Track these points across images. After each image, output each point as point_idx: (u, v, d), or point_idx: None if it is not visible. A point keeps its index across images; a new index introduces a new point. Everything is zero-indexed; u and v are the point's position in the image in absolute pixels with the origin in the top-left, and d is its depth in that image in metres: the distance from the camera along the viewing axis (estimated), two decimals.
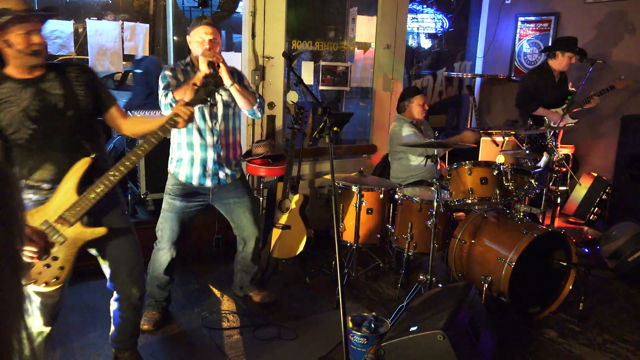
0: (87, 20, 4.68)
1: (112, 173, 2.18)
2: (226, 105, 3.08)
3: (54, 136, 2.18)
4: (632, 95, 5.37)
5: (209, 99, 2.41)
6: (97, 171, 2.22)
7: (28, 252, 2.02)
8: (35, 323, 2.32)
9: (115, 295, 2.57)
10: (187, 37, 3.06)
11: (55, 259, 2.15)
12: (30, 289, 2.15)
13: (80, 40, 4.81)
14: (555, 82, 4.93)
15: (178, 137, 3.06)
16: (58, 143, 2.19)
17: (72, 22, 4.46)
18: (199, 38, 2.94)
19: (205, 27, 2.95)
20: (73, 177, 2.17)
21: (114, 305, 2.61)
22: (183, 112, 2.27)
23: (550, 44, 5.90)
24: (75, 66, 2.32)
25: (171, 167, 3.11)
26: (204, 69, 2.80)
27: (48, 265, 2.15)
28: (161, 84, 2.89)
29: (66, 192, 2.16)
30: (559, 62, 4.83)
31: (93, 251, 2.41)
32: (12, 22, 2.00)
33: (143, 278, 2.61)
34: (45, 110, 2.16)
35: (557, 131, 4.44)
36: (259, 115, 3.14)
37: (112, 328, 2.70)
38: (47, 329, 2.36)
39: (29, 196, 2.22)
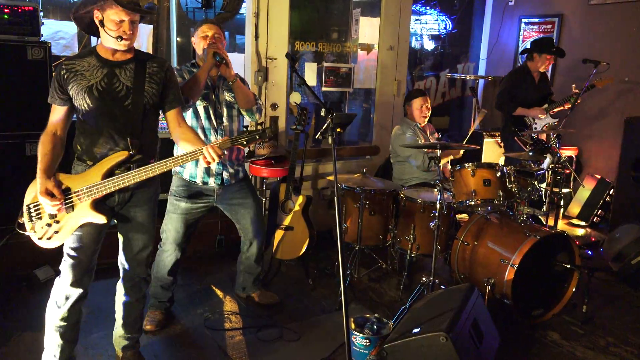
0: None
1: (134, 172, 2.30)
2: (230, 105, 3.10)
3: (105, 120, 2.31)
4: (636, 97, 5.36)
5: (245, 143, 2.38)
6: (128, 164, 2.36)
7: (46, 202, 2.24)
8: (64, 282, 2.42)
9: (121, 274, 2.65)
10: (192, 38, 3.10)
11: (57, 222, 2.32)
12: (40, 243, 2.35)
13: (85, 41, 4.82)
14: (535, 83, 4.99)
15: None
16: (107, 128, 2.32)
17: None
18: (202, 34, 3.01)
19: (208, 24, 3.04)
20: (105, 163, 2.32)
21: (119, 291, 2.68)
22: (216, 153, 2.29)
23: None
24: (157, 62, 2.43)
25: (175, 168, 3.11)
26: (208, 60, 2.85)
27: (49, 224, 2.33)
28: None
29: (95, 173, 2.31)
30: (537, 64, 4.93)
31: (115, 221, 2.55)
32: (111, 6, 2.18)
33: (148, 264, 2.67)
34: (106, 92, 2.29)
35: (560, 133, 4.44)
36: (257, 117, 3.16)
37: (116, 323, 2.74)
38: (74, 291, 2.43)
39: (75, 166, 2.42)
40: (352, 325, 2.78)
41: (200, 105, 3.00)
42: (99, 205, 2.34)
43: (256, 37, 4.39)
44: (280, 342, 3.10)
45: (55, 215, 2.32)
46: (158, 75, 2.41)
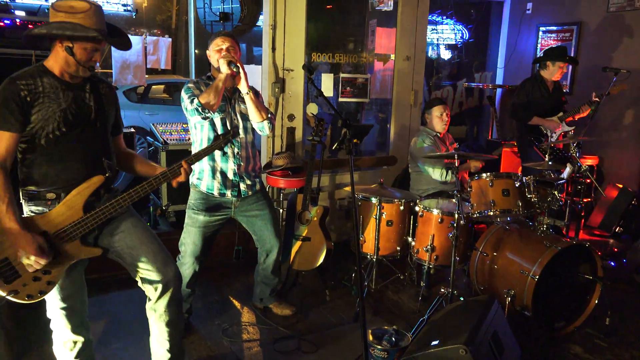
0: None
1: (122, 198, 2.17)
2: (245, 117, 3.12)
3: (79, 145, 2.16)
4: None
5: (223, 147, 2.51)
6: (105, 188, 2.23)
7: (39, 262, 1.98)
8: (63, 331, 2.32)
9: (149, 294, 2.36)
10: (207, 51, 3.13)
11: (46, 272, 2.06)
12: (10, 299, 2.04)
13: (105, 55, 4.92)
14: (549, 92, 4.95)
15: (199, 149, 3.08)
16: (80, 153, 2.16)
17: None
18: (216, 47, 3.03)
19: (223, 37, 3.06)
20: (83, 192, 2.13)
21: (151, 315, 2.41)
22: (186, 167, 2.30)
23: (572, 54, 5.84)
24: (105, 83, 2.34)
25: (193, 179, 3.14)
26: (224, 69, 2.88)
27: (37, 278, 2.04)
28: (185, 95, 2.94)
29: (72, 206, 2.10)
30: (550, 72, 4.88)
31: (114, 256, 2.32)
32: (86, 40, 2.05)
33: (174, 263, 2.41)
34: (80, 117, 2.15)
35: (581, 142, 4.39)
36: (267, 131, 3.15)
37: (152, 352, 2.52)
38: (79, 338, 2.35)
39: (29, 207, 2.14)
40: (370, 337, 2.76)
41: (217, 117, 3.03)
42: (84, 239, 2.16)
43: (273, 49, 4.42)
44: (297, 354, 3.09)
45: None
46: (110, 97, 2.33)
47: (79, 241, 2.12)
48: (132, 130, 4.71)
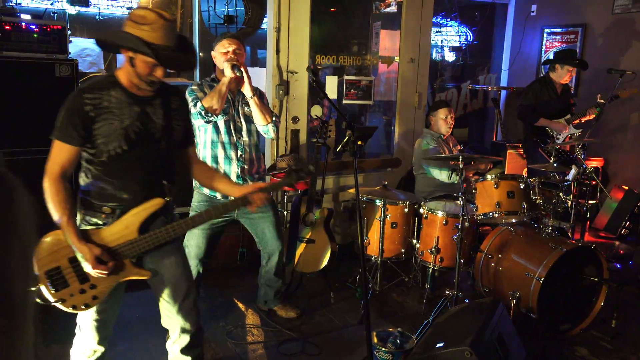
0: None
1: (178, 225, 2.12)
2: (249, 120, 3.13)
3: (139, 165, 2.09)
4: None
5: (293, 184, 2.40)
6: (164, 211, 2.16)
7: (99, 273, 2.00)
8: (89, 340, 2.30)
9: (168, 330, 2.32)
10: (212, 52, 3.13)
11: (93, 287, 2.08)
12: (59, 307, 2.07)
13: (110, 58, 4.94)
14: (558, 94, 4.93)
15: (203, 152, 3.10)
16: (139, 173, 2.09)
17: None
18: (222, 49, 3.03)
19: (228, 39, 3.06)
20: (141, 214, 2.08)
21: (168, 352, 2.35)
22: (260, 198, 2.22)
23: (577, 56, 5.83)
24: (179, 96, 2.25)
25: (196, 182, 3.14)
26: (228, 73, 2.88)
27: (83, 291, 2.06)
28: (189, 98, 2.94)
29: (129, 226, 2.07)
30: (559, 75, 4.88)
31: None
32: (149, 57, 1.95)
33: (199, 312, 2.34)
34: (143, 135, 2.07)
35: (586, 144, 4.36)
36: (272, 134, 3.16)
37: None
38: (100, 349, 2.33)
39: (83, 215, 2.11)
40: (375, 339, 2.76)
41: (220, 120, 3.04)
42: (137, 260, 2.14)
43: (277, 51, 4.43)
44: (302, 356, 3.09)
45: (89, 279, 2.06)
46: (182, 111, 2.25)
47: (129, 261, 2.10)
48: None
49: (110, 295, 2.16)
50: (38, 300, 2.03)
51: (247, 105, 3.10)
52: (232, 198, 2.31)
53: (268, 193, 2.26)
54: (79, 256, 1.99)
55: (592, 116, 4.79)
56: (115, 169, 2.06)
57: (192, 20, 6.13)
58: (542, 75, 5.63)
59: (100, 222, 2.10)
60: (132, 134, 2.04)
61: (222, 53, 3.03)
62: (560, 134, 4.90)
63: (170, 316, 2.25)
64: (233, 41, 3.04)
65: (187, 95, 2.98)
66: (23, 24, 3.46)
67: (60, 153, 2.02)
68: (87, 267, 1.99)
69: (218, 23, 5.50)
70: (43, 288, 2.01)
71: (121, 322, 3.30)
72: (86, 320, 2.25)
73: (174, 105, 2.19)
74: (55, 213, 1.96)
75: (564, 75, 4.85)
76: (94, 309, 2.17)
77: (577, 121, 4.87)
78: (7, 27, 3.40)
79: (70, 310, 2.07)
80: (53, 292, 2.02)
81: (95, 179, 2.08)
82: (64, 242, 2.01)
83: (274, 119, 3.13)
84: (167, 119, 2.14)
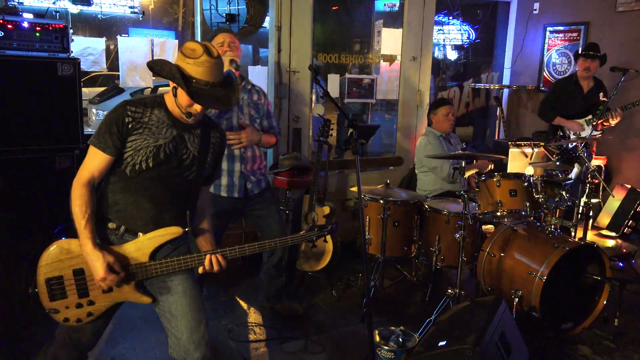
0: (118, 37, 4.80)
1: (191, 258, 2.07)
2: (252, 120, 3.13)
3: (159, 185, 2.05)
4: None
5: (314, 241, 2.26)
6: (179, 240, 2.12)
7: (109, 281, 1.95)
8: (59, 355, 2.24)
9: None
10: None
11: (91, 303, 2.04)
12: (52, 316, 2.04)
13: (112, 57, 4.94)
14: (583, 92, 4.83)
15: None
16: (155, 194, 2.05)
17: (104, 39, 4.58)
18: (218, 43, 3.02)
19: (223, 33, 3.06)
20: (157, 239, 2.05)
21: None
22: (215, 263, 2.11)
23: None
24: (220, 132, 2.24)
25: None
26: (225, 67, 2.85)
27: (80, 305, 2.03)
28: None
29: (141, 248, 2.04)
30: (578, 69, 4.81)
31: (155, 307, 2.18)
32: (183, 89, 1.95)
33: (209, 343, 2.14)
34: (173, 158, 2.05)
35: (589, 142, 4.33)
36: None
37: None
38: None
39: (104, 233, 2.06)
40: (377, 338, 2.76)
41: (222, 118, 3.03)
42: (140, 284, 2.08)
43: (279, 50, 4.43)
44: (304, 354, 3.09)
45: (88, 294, 2.02)
46: (219, 147, 2.23)
47: (133, 284, 2.05)
48: None
49: (100, 315, 2.09)
50: (32, 303, 2.01)
51: (251, 104, 3.11)
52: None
53: (225, 260, 2.13)
54: (90, 262, 1.94)
55: (617, 119, 4.65)
56: (133, 184, 2.04)
57: (194, 18, 6.14)
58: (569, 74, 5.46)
59: (102, 236, 2.05)
60: (161, 154, 2.03)
61: (218, 47, 3.00)
62: (575, 135, 4.80)
63: (178, 346, 2.10)
64: (227, 34, 3.04)
65: None
66: (25, 22, 3.47)
67: (92, 159, 2.01)
68: (98, 274, 1.94)
69: (220, 22, 5.49)
70: (40, 294, 1.99)
71: (123, 320, 3.32)
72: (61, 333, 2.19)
73: (213, 139, 2.19)
74: (75, 217, 1.95)
75: (580, 69, 4.79)
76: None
77: (600, 126, 4.70)
78: (10, 26, 3.41)
79: (61, 322, 2.05)
80: (49, 300, 1.99)
81: (110, 191, 2.06)
82: (73, 252, 1.99)
83: (277, 136, 3.26)
84: (203, 150, 2.13)
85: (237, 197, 3.13)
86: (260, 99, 3.21)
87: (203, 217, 2.27)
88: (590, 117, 4.80)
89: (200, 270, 2.11)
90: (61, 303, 2.01)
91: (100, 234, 2.01)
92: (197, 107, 2.01)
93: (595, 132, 4.77)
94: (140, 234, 2.06)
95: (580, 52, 4.86)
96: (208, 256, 2.09)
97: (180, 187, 2.10)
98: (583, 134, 4.78)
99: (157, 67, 2.02)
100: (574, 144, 4.11)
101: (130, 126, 1.98)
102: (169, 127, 2.05)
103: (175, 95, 2.01)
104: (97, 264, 1.93)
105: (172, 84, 2.01)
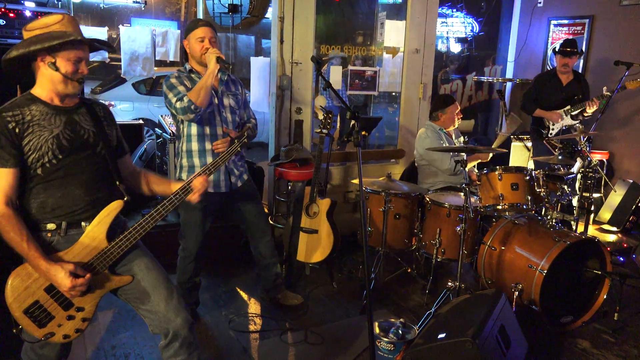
0: (120, 26, 4.79)
1: (145, 221, 2.04)
2: (233, 111, 3.12)
3: (79, 171, 2.02)
4: None
5: (240, 150, 2.42)
6: (123, 212, 2.11)
7: (79, 288, 1.89)
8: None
9: (162, 340, 2.14)
10: (185, 41, 3.07)
11: (80, 309, 1.99)
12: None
13: (115, 45, 4.93)
14: (562, 85, 5.00)
15: (188, 145, 3.06)
16: (80, 179, 2.02)
17: (106, 28, 4.57)
18: (199, 38, 2.97)
19: (203, 28, 2.99)
20: (104, 221, 2.02)
21: (161, 353, 2.15)
22: (200, 182, 2.17)
23: (584, 47, 5.80)
24: (102, 105, 2.22)
25: (184, 175, 3.09)
26: (212, 65, 2.84)
27: (71, 317, 1.97)
28: (170, 92, 2.90)
29: (95, 237, 2.00)
30: (557, 65, 4.99)
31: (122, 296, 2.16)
32: (66, 46, 1.93)
33: (188, 309, 2.18)
34: (76, 141, 2.02)
35: (591, 137, 4.34)
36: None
37: None
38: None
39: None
40: (377, 330, 2.77)
41: (205, 112, 2.99)
42: (112, 269, 2.06)
43: (282, 41, 4.41)
44: (304, 345, 3.10)
45: (73, 303, 1.97)
46: (110, 119, 2.20)
47: (108, 271, 2.02)
48: (141, 122, 4.72)
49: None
50: (25, 340, 1.94)
51: (230, 96, 3.10)
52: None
53: (207, 174, 2.21)
54: (52, 278, 1.88)
55: (594, 107, 4.78)
56: (53, 180, 1.98)
57: (197, 9, 6.11)
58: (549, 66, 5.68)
59: (47, 241, 1.98)
60: (64, 142, 1.98)
61: (197, 40, 2.97)
62: (554, 125, 4.93)
63: (159, 320, 2.10)
64: (207, 29, 2.97)
65: (166, 88, 2.93)
66: (27, 11, 3.46)
67: None
68: (64, 286, 1.87)
69: (222, 12, 5.47)
70: (26, 328, 1.91)
71: (123, 310, 3.33)
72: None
73: (100, 113, 2.15)
74: (14, 243, 1.86)
75: (558, 65, 4.96)
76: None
77: (577, 112, 4.86)
78: (11, 15, 3.40)
79: (63, 341, 1.99)
80: (38, 328, 1.92)
81: (32, 196, 1.98)
82: (33, 273, 1.91)
83: (255, 131, 3.22)
84: (98, 124, 2.10)
85: (224, 191, 3.13)
86: (237, 89, 3.20)
87: (142, 176, 2.31)
88: (568, 107, 4.93)
89: (195, 197, 2.16)
90: (52, 324, 1.94)
91: (42, 243, 1.94)
92: (83, 68, 1.98)
93: (575, 122, 4.85)
94: (83, 223, 2.03)
95: (557, 49, 4.97)
96: (193, 181, 2.14)
97: (98, 164, 2.07)
98: (559, 124, 4.95)
99: (23, 48, 1.92)
100: (576, 137, 4.10)
101: (17, 130, 1.90)
102: (54, 115, 1.99)
103: (57, 69, 1.94)
104: (58, 277, 1.87)
105: (47, 62, 1.94)
